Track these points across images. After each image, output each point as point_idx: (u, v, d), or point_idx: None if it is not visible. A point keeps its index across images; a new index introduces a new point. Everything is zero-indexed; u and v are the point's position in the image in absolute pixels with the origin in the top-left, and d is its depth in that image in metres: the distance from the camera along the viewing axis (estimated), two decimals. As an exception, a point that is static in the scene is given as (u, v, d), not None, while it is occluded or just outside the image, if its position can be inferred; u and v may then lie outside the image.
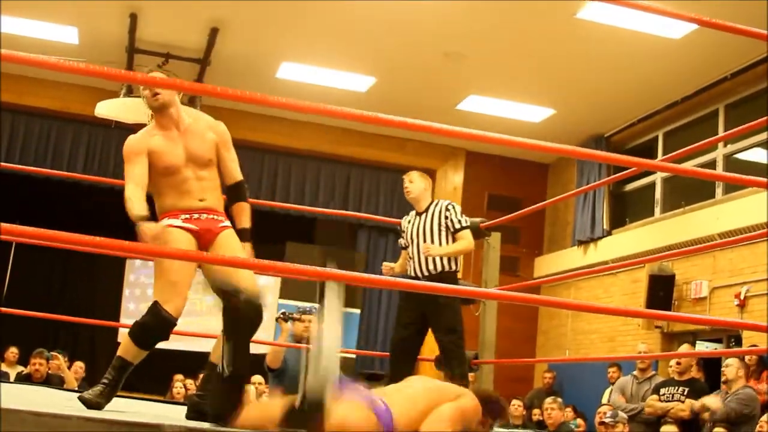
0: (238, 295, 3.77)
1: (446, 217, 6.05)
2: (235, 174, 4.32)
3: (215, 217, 4.15)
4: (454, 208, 6.14)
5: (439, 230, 6.00)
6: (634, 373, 9.22)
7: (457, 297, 5.78)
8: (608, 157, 3.94)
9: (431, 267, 5.95)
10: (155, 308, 3.87)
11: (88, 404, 3.63)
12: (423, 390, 3.50)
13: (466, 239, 6.10)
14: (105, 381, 3.85)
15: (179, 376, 10.99)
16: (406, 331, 5.95)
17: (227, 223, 4.20)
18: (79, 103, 12.50)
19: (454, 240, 6.04)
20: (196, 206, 4.11)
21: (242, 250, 4.10)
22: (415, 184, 6.23)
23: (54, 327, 15.11)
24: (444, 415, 3.38)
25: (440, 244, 6.00)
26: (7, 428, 2.24)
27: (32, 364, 9.66)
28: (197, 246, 4.03)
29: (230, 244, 4.09)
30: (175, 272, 3.91)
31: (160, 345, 4.07)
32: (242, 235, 4.18)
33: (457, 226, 6.06)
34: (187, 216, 4.09)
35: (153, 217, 4.00)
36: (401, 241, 6.32)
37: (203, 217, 4.11)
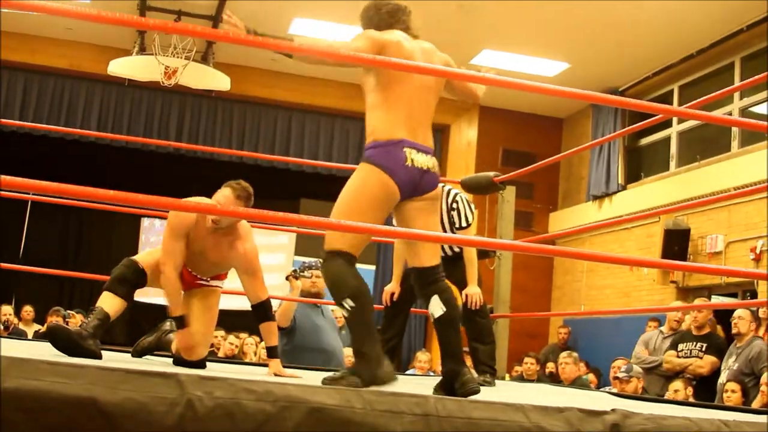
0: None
1: (450, 216, 5.60)
2: (258, 294, 4.45)
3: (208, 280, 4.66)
4: (459, 202, 5.63)
5: (451, 228, 5.60)
6: (662, 328, 9.18)
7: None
8: (626, 102, 3.91)
9: (448, 251, 5.68)
10: None
11: None
12: None
13: (470, 252, 5.65)
14: None
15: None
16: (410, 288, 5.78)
17: (216, 283, 4.68)
18: (92, 61, 12.52)
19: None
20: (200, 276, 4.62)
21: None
22: None
23: (69, 286, 15.23)
24: None
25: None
26: (23, 377, 2.26)
27: (49, 322, 9.73)
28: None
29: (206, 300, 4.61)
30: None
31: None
32: (271, 351, 4.47)
33: (464, 224, 5.60)
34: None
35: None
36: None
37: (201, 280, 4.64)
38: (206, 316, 4.54)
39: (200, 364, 4.40)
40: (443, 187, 5.68)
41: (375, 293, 13.78)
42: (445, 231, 5.60)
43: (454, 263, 5.63)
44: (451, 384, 3.74)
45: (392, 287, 5.70)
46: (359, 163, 3.80)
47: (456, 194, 5.66)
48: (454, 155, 14.28)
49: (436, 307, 3.78)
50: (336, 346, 6.78)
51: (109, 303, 4.22)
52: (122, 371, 2.36)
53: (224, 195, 4.29)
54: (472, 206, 5.72)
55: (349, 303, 3.52)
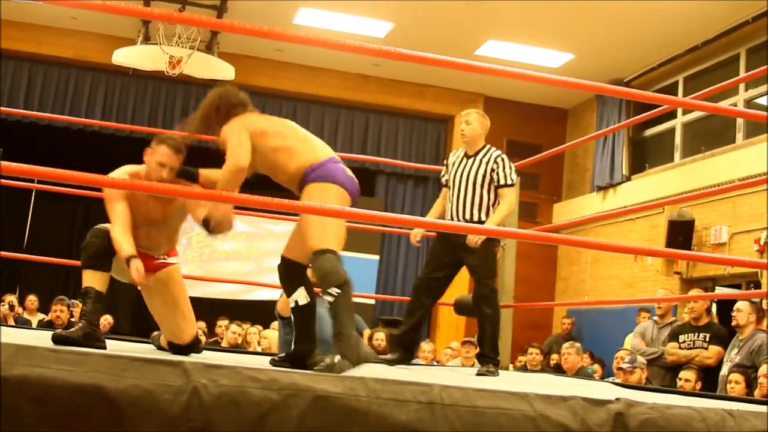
0: None
1: (493, 170, 5.66)
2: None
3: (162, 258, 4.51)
4: (503, 161, 5.71)
5: (483, 182, 5.66)
6: (655, 318, 9.19)
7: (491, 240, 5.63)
8: (631, 92, 3.90)
9: (468, 215, 5.66)
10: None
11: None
12: None
13: (508, 200, 5.67)
14: None
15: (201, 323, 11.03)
16: (438, 272, 5.74)
17: (173, 260, 4.52)
18: (96, 51, 12.53)
19: (495, 194, 5.68)
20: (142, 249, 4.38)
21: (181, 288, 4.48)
22: (471, 126, 5.95)
23: (74, 275, 15.21)
24: None
25: (482, 197, 5.63)
26: (28, 365, 2.26)
27: (53, 311, 9.74)
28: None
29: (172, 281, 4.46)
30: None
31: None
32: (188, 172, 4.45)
33: (503, 182, 5.66)
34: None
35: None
36: (444, 178, 6.00)
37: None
38: (180, 300, 4.44)
39: (194, 346, 4.39)
40: (484, 147, 5.88)
41: (378, 283, 13.79)
42: (482, 189, 5.67)
43: (471, 249, 5.55)
44: (303, 360, 4.12)
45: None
46: (307, 186, 4.04)
47: (499, 154, 5.79)
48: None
49: (301, 296, 4.14)
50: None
51: (97, 280, 4.17)
52: (127, 359, 2.36)
53: (166, 154, 4.32)
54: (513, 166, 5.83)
55: (335, 290, 3.73)
